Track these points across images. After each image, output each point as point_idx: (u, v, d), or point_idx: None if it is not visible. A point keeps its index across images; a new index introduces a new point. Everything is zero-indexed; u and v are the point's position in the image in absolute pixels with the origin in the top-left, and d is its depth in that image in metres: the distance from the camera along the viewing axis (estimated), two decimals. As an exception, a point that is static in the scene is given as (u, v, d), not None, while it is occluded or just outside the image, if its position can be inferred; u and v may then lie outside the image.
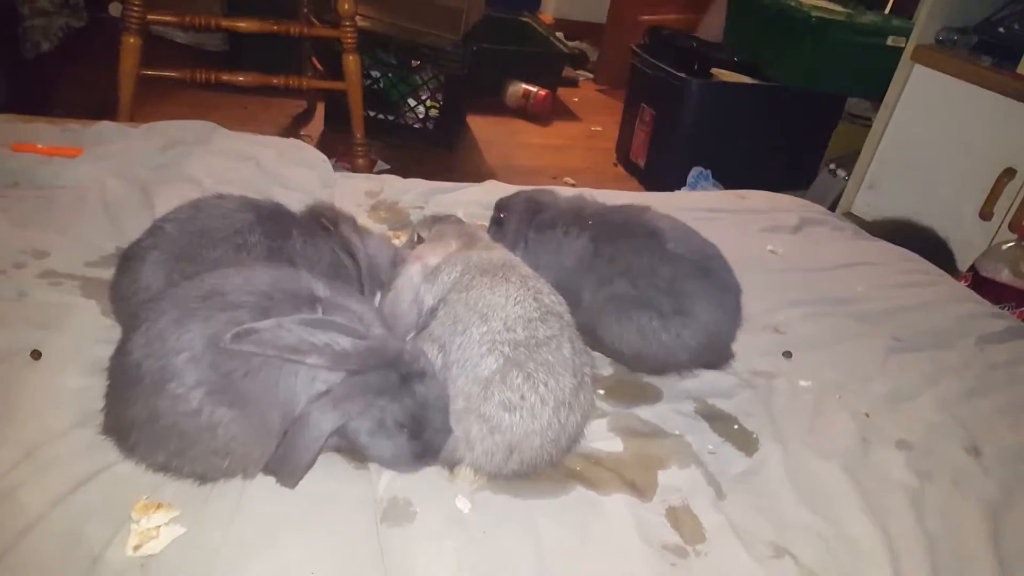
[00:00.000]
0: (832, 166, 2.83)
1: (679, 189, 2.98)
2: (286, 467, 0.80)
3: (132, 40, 2.19)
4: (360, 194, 1.66)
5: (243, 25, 2.41)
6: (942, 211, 2.33)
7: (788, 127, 3.08)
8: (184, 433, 0.76)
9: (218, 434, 0.76)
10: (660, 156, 3.15)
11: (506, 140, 3.66)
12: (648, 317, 1.08)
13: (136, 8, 2.16)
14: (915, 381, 1.26)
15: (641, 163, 3.28)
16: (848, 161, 2.76)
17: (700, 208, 1.86)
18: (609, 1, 4.59)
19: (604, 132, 3.89)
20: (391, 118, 3.15)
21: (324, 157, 1.80)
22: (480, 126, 3.66)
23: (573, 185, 3.28)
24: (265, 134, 1.90)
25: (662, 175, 3.12)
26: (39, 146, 1.56)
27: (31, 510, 0.75)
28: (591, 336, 1.09)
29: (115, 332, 0.95)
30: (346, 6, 2.38)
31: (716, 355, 1.18)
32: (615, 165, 3.49)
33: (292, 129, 3.21)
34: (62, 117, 1.74)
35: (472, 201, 1.69)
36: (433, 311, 0.99)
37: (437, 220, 1.23)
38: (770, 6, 3.03)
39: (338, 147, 2.81)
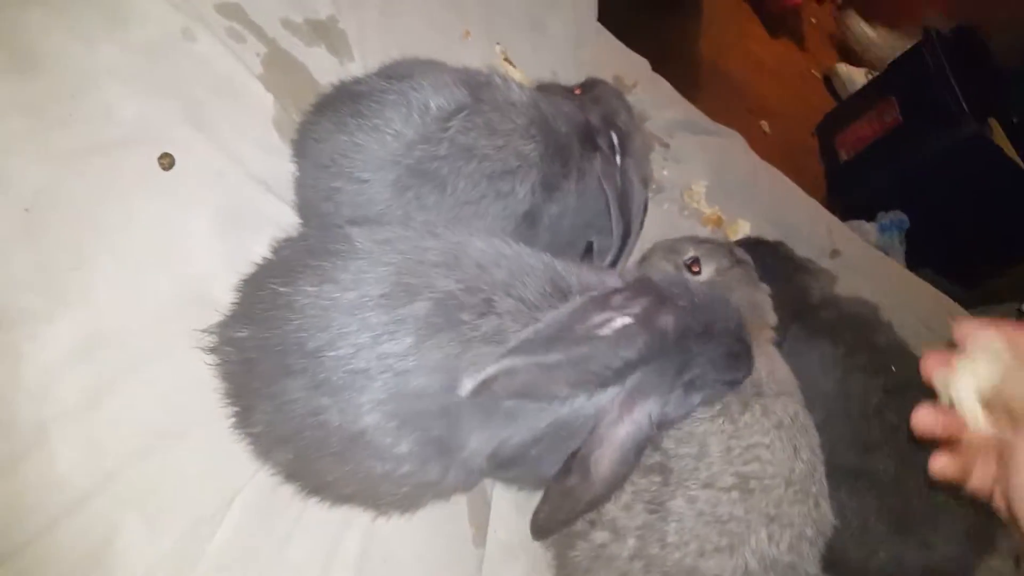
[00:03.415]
0: (1025, 309, 2.37)
1: (863, 219, 2.51)
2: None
3: None
4: (609, 77, 1.23)
5: None
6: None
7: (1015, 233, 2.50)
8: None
9: None
10: (870, 171, 2.61)
11: (728, 25, 2.99)
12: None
13: None
14: None
15: (843, 158, 2.74)
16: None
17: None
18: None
19: (821, 85, 3.24)
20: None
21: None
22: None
23: (766, 134, 2.76)
24: None
25: (856, 190, 2.62)
26: None
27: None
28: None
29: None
30: None
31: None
32: (812, 135, 2.92)
33: None
34: None
35: (713, 169, 1.28)
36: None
37: (718, 251, 0.89)
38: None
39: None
